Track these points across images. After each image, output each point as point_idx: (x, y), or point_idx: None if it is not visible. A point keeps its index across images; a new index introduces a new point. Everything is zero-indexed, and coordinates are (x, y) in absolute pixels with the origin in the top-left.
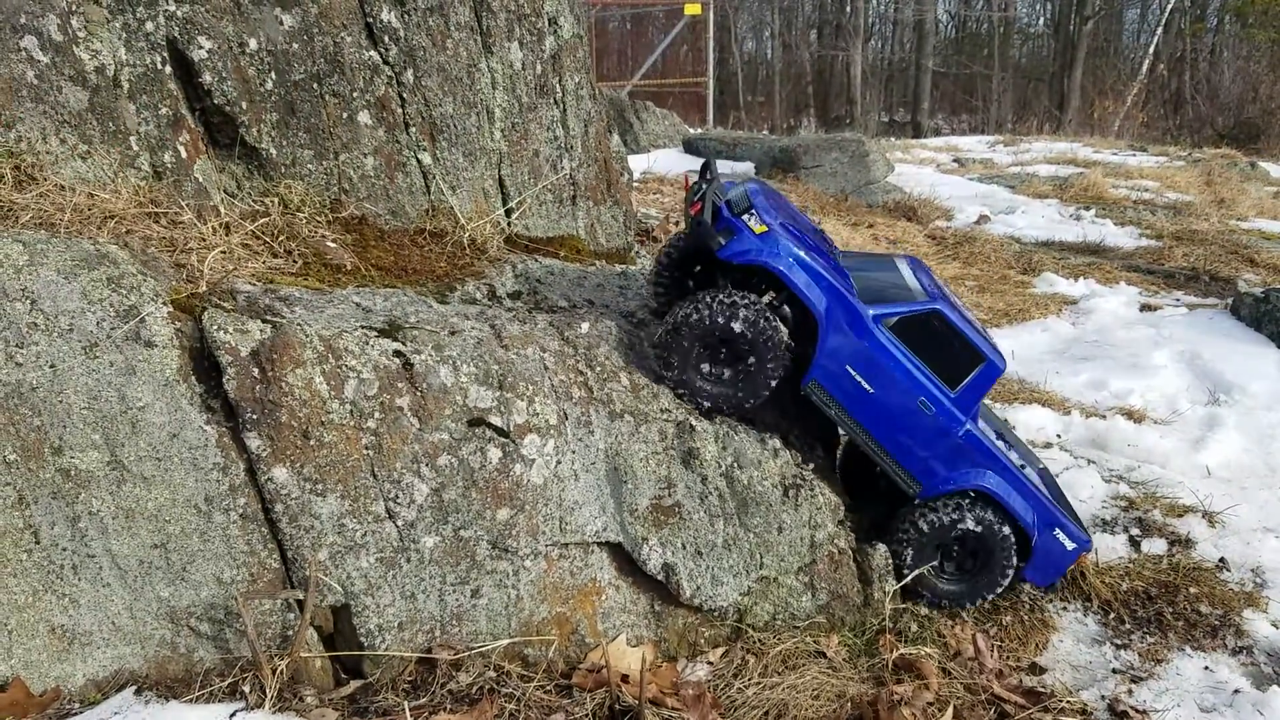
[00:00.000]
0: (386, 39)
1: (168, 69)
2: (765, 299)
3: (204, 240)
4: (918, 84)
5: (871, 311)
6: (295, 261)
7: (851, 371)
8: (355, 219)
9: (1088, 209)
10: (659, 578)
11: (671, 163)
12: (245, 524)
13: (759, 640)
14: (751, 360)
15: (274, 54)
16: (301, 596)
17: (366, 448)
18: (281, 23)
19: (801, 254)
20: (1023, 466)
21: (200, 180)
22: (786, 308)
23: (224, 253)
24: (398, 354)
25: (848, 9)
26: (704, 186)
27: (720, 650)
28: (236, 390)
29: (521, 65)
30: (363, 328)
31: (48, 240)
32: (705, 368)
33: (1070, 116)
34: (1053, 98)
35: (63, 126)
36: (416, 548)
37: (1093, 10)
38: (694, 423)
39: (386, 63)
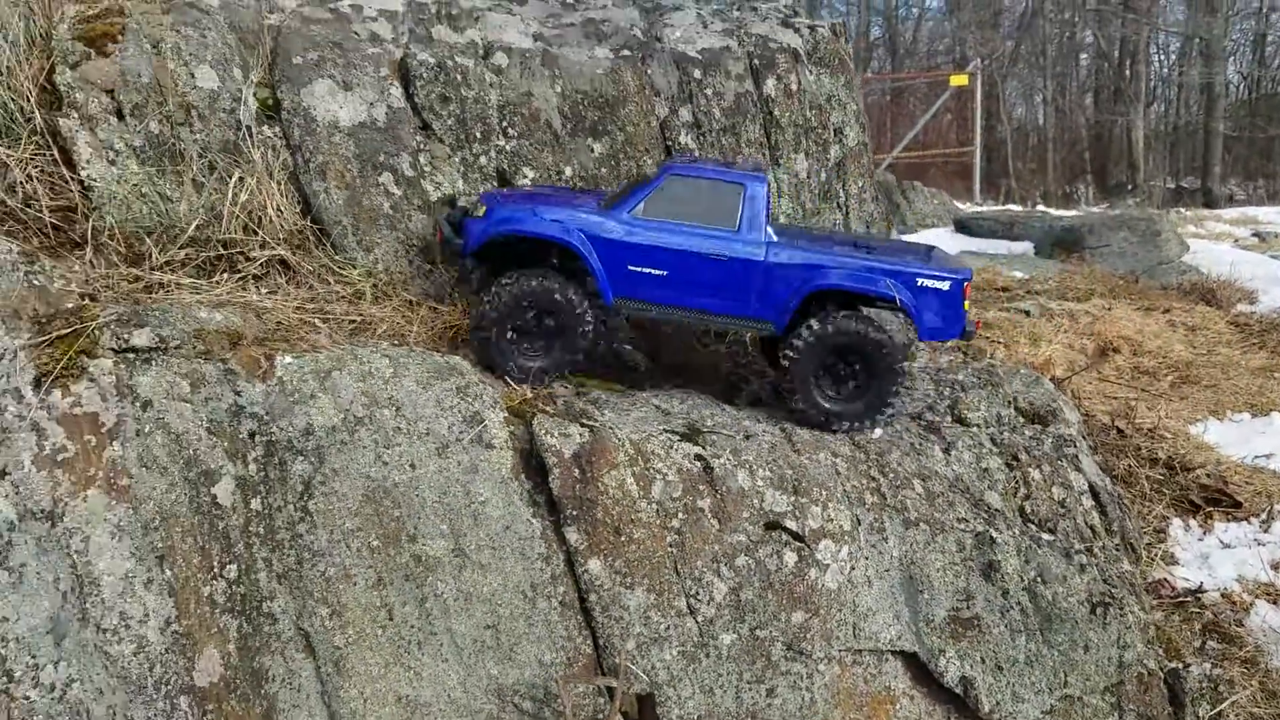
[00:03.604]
0: None
1: None
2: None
3: None
4: (1207, 149)
5: (620, 211)
6: (596, 363)
7: (636, 269)
8: (646, 320)
9: None
10: (956, 690)
11: (943, 243)
12: (564, 611)
13: None
14: (555, 321)
15: (585, 178)
16: (614, 684)
17: (670, 545)
18: (592, 150)
19: (521, 209)
20: (870, 250)
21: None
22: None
23: None
24: (699, 457)
25: (1127, 73)
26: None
27: None
28: (560, 488)
29: (807, 174)
30: (666, 431)
31: (407, 353)
32: (522, 345)
33: None
34: None
35: (410, 249)
36: (715, 644)
37: None
38: (994, 535)
39: None
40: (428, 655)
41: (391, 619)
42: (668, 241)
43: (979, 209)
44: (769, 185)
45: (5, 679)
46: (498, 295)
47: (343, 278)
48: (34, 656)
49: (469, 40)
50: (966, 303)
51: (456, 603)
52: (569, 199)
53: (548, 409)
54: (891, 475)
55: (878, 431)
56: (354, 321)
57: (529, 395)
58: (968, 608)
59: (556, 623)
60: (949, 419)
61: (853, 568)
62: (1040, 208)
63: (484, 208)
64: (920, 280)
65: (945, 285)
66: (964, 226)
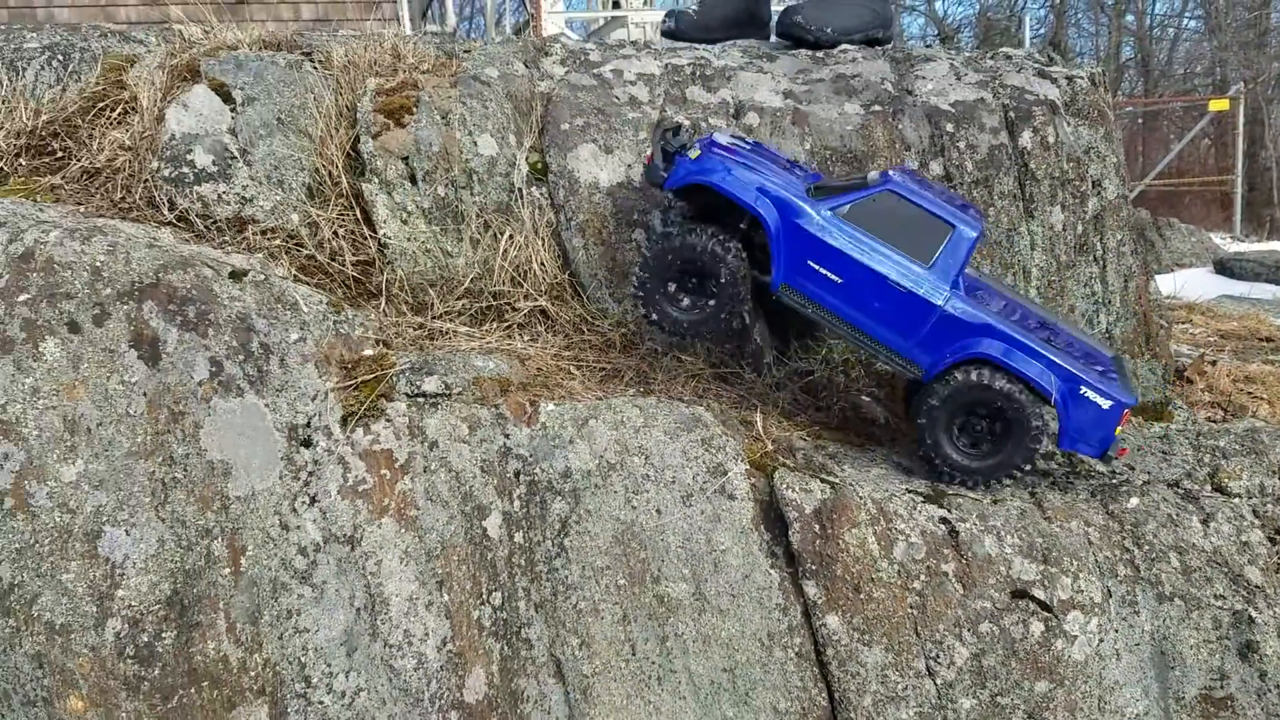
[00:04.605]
0: None
1: None
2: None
3: (763, 397)
4: None
5: (823, 205)
6: (834, 415)
7: (815, 266)
8: (887, 372)
9: None
10: None
11: (1201, 285)
12: (800, 662)
13: None
14: (714, 282)
15: None
16: None
17: (911, 607)
18: None
19: (735, 168)
20: (1048, 339)
21: (759, 341)
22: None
23: (779, 410)
24: (943, 520)
25: None
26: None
27: None
28: (800, 543)
29: (1062, 227)
30: (909, 492)
31: (655, 404)
32: (676, 296)
33: None
34: None
35: None
36: (954, 708)
37: None
38: (1253, 614)
39: None
40: (667, 692)
41: (634, 654)
42: (857, 253)
43: (1241, 248)
44: (981, 233)
45: (304, 684)
46: (660, 239)
47: (595, 327)
48: (329, 665)
49: (721, 100)
50: (1120, 429)
51: (695, 644)
52: (783, 172)
53: (788, 462)
54: (1146, 547)
55: (1134, 501)
56: (604, 369)
57: (770, 449)
58: (1221, 687)
59: (792, 672)
60: (1208, 488)
61: (1101, 640)
62: None
63: (698, 151)
64: (1083, 389)
65: (1106, 404)
66: (1224, 268)
